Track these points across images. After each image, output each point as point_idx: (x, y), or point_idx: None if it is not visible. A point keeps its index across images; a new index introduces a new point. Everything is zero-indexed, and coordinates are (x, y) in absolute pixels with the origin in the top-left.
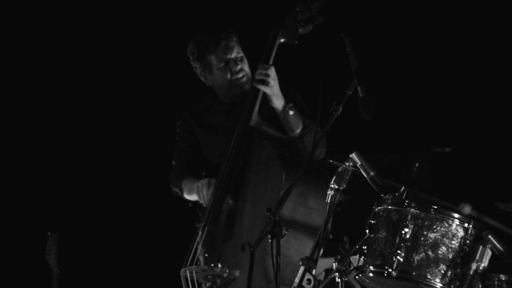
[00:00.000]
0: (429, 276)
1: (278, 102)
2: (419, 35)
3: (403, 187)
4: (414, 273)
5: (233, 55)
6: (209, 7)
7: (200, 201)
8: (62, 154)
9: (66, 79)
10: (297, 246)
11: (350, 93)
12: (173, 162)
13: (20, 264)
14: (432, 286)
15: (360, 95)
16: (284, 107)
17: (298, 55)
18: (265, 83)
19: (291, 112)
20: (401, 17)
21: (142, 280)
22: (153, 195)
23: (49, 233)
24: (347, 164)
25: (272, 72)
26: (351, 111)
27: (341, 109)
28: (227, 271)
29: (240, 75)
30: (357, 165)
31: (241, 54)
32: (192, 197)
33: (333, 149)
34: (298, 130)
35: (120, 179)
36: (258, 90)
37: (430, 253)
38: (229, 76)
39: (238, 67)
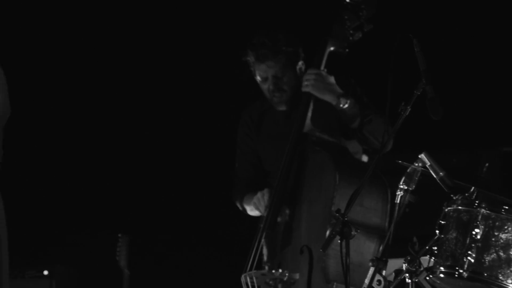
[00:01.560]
0: (500, 277)
1: (328, 97)
2: (488, 32)
3: (473, 188)
4: (485, 274)
5: (272, 74)
6: (267, 11)
7: (258, 212)
8: (134, 156)
9: (140, 79)
10: (356, 246)
11: (419, 93)
12: (235, 177)
13: (91, 266)
14: (504, 287)
15: (429, 95)
16: (338, 99)
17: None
18: (305, 85)
19: (345, 106)
20: (466, 16)
21: (207, 283)
22: (218, 199)
23: (119, 235)
24: (416, 164)
25: (313, 72)
26: (419, 111)
27: (409, 109)
28: (287, 274)
29: (276, 95)
30: (426, 166)
31: (284, 73)
32: (254, 213)
33: (402, 150)
34: (357, 122)
35: (187, 181)
36: (309, 97)
37: (501, 253)
38: (266, 92)
39: (274, 87)
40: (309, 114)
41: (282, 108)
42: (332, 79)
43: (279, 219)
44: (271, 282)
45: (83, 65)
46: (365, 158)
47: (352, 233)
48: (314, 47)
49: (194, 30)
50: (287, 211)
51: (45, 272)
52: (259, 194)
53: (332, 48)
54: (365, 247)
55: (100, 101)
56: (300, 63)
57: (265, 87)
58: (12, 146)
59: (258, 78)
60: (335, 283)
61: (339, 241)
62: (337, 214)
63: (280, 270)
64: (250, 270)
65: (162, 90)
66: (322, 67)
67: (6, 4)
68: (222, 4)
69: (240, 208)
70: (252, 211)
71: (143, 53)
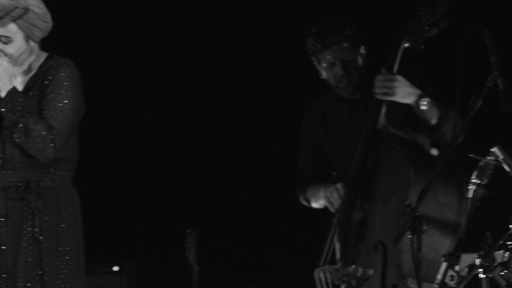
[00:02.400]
0: None
1: (409, 100)
2: None
3: None
4: None
5: (340, 58)
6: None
7: (330, 208)
8: (202, 152)
9: (204, 77)
10: (430, 242)
11: (490, 85)
12: (298, 173)
13: (161, 261)
14: None
15: (501, 87)
16: (417, 101)
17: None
18: (388, 93)
19: (424, 107)
20: None
21: (277, 278)
22: (287, 193)
23: (188, 231)
24: (489, 158)
25: (395, 80)
26: (491, 103)
27: (480, 102)
28: (360, 270)
29: (344, 80)
30: (499, 159)
31: (351, 57)
32: (319, 204)
33: (474, 143)
34: (435, 120)
35: (256, 176)
36: None
37: None
38: (333, 78)
39: (343, 72)
40: (383, 110)
41: (349, 94)
42: (405, 80)
43: (352, 215)
44: (344, 278)
45: (156, 64)
46: (434, 152)
47: (423, 228)
48: (388, 44)
49: (259, 25)
50: (361, 207)
51: (115, 268)
52: (332, 188)
53: (407, 45)
54: (440, 244)
55: (166, 98)
56: (362, 47)
57: (331, 74)
58: (84, 143)
59: (324, 65)
60: (410, 278)
61: (410, 236)
62: (407, 209)
63: (354, 266)
64: (324, 265)
65: (227, 86)
66: (396, 64)
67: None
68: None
69: (303, 201)
70: (316, 203)
71: (212, 51)
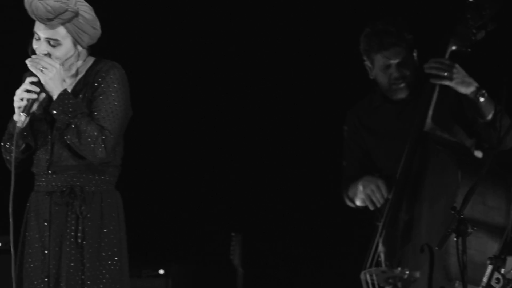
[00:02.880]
0: None
1: (467, 89)
2: None
3: None
4: None
5: (397, 60)
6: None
7: (370, 206)
8: (246, 155)
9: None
10: (478, 245)
11: None
12: (343, 174)
13: (206, 265)
14: None
15: None
16: (475, 93)
17: None
18: (443, 77)
19: (482, 99)
20: None
21: (322, 281)
22: (331, 195)
23: (232, 234)
24: None
25: (454, 66)
26: None
27: None
28: (407, 272)
29: (398, 82)
30: None
31: (407, 60)
32: (359, 200)
33: None
34: (490, 116)
35: (299, 179)
36: (431, 94)
37: None
38: (387, 80)
39: (398, 74)
40: (430, 113)
41: (401, 95)
42: (462, 70)
43: (399, 216)
44: (391, 280)
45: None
46: (478, 154)
47: (468, 230)
48: (435, 46)
49: (309, 26)
50: (407, 209)
51: (161, 271)
52: (372, 185)
53: (454, 48)
54: (487, 247)
55: (207, 100)
56: (415, 50)
57: (385, 75)
58: (129, 146)
59: (379, 66)
60: (457, 281)
61: (455, 239)
62: (452, 212)
63: (400, 268)
64: (370, 267)
65: (268, 88)
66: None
67: None
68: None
69: (348, 202)
70: (357, 199)
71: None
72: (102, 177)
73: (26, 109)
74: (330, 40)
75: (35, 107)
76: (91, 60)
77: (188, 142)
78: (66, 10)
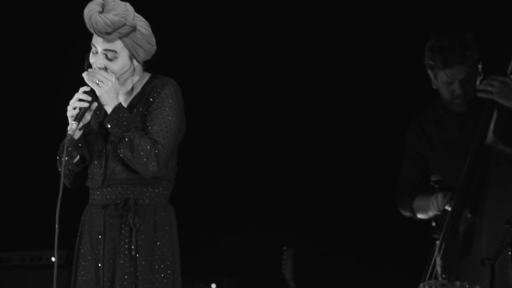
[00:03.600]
0: None
1: (508, 103)
2: None
3: None
4: None
5: (460, 78)
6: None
7: (431, 213)
8: (297, 169)
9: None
10: None
11: None
12: (400, 183)
13: (258, 279)
14: None
15: None
16: None
17: None
18: (488, 91)
19: None
20: None
21: None
22: (386, 207)
23: (284, 248)
24: None
25: (498, 79)
26: None
27: None
28: (466, 286)
29: (460, 97)
30: None
31: (470, 76)
32: (426, 215)
33: None
34: None
35: (353, 193)
36: (492, 108)
37: None
38: (449, 95)
39: (461, 91)
40: (492, 126)
41: (463, 110)
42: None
43: (459, 228)
44: None
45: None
46: None
47: None
48: (500, 52)
49: (374, 30)
50: (468, 218)
51: (213, 286)
52: (440, 194)
53: None
54: None
55: (269, 113)
56: (480, 63)
57: (447, 90)
58: (182, 161)
59: (443, 81)
60: None
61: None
62: (506, 225)
63: (459, 282)
64: (429, 279)
65: (330, 102)
66: (509, 71)
67: None
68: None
69: (405, 212)
70: (423, 214)
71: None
72: (156, 190)
73: (78, 118)
74: (386, 42)
75: (88, 116)
76: (147, 76)
77: (239, 157)
78: (125, 24)
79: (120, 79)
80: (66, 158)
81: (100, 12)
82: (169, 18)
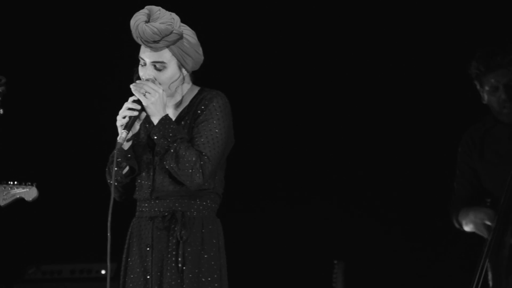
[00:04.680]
0: None
1: None
2: None
3: None
4: None
5: (504, 82)
6: None
7: (478, 232)
8: (347, 182)
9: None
10: None
11: None
12: (453, 195)
13: None
14: None
15: None
16: None
17: None
18: None
19: None
20: None
21: None
22: (437, 220)
23: (335, 261)
24: None
25: None
26: None
27: None
28: None
29: (507, 105)
30: None
31: None
32: (469, 228)
33: None
34: None
35: (403, 206)
36: None
37: None
38: (496, 103)
39: (506, 96)
40: None
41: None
42: None
43: (504, 240)
44: None
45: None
46: None
47: None
48: None
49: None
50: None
51: None
52: (482, 214)
53: None
54: None
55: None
56: None
57: (494, 98)
58: (230, 175)
59: (487, 88)
60: None
61: None
62: None
63: None
64: None
65: (382, 107)
66: None
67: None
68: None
69: (456, 224)
70: (466, 226)
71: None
72: (204, 203)
73: (128, 126)
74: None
75: (137, 126)
76: (196, 90)
77: (285, 168)
78: (172, 32)
79: (171, 88)
80: (116, 168)
81: (147, 22)
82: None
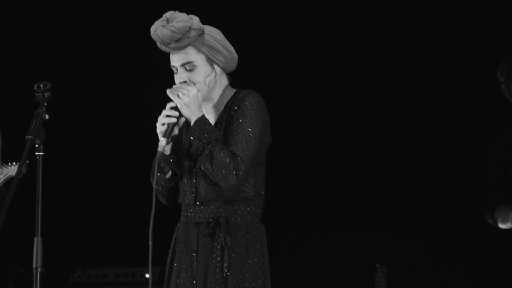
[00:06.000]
0: None
1: None
2: None
3: None
4: None
5: None
6: None
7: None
8: (390, 184)
9: None
10: None
11: None
12: (485, 191)
13: None
14: None
15: None
16: None
17: None
18: None
19: None
20: None
21: None
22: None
23: (377, 265)
24: None
25: None
26: None
27: None
28: None
29: None
30: None
31: None
32: (506, 226)
33: None
34: None
35: (443, 208)
36: None
37: None
38: None
39: None
40: None
41: None
42: None
43: None
44: None
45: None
46: None
47: None
48: None
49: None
50: None
51: None
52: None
53: None
54: None
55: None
56: None
57: None
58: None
59: None
60: None
61: None
62: None
63: None
64: None
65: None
66: None
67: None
68: None
69: (490, 221)
70: (503, 224)
71: None
72: (248, 209)
73: (167, 134)
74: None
75: (176, 131)
76: (232, 92)
77: (328, 170)
78: (191, 27)
79: (206, 84)
80: (158, 174)
81: (164, 25)
82: None
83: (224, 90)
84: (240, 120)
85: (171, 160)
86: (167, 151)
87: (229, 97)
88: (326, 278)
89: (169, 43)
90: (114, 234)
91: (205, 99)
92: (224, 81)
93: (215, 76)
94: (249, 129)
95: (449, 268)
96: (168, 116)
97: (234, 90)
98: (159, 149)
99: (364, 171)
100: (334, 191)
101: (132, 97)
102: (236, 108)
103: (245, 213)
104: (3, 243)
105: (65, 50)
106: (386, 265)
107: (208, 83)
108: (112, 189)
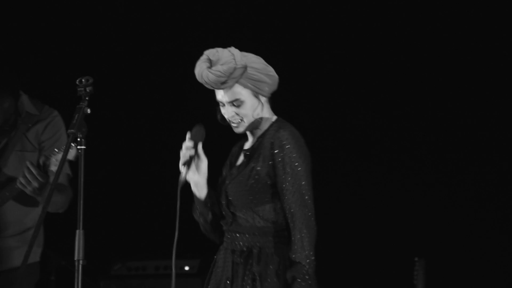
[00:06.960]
0: None
1: None
2: None
3: None
4: None
5: None
6: None
7: None
8: (424, 177)
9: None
10: None
11: None
12: None
13: None
14: None
15: None
16: None
17: None
18: None
19: None
20: None
21: None
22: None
23: (416, 259)
24: None
25: None
26: None
27: None
28: None
29: None
30: None
31: None
32: None
33: None
34: None
35: (476, 201)
36: None
37: None
38: None
39: None
40: None
41: None
42: None
43: None
44: None
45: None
46: None
47: None
48: None
49: None
50: None
51: None
52: None
53: None
54: None
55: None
56: None
57: None
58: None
59: None
60: None
61: None
62: None
63: None
64: None
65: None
66: None
67: None
68: None
69: None
70: None
71: None
72: (282, 239)
73: (187, 163)
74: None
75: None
76: (270, 120)
77: (369, 167)
78: (235, 68)
79: (254, 116)
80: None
81: (209, 67)
82: None
83: (268, 111)
84: (291, 176)
85: (208, 204)
86: (203, 194)
87: (267, 125)
88: (365, 272)
89: (215, 86)
90: (154, 227)
91: (254, 128)
92: (266, 104)
93: (262, 108)
94: (303, 182)
95: (486, 261)
96: (188, 147)
97: (273, 119)
98: (181, 179)
99: (404, 163)
100: (373, 184)
101: (177, 95)
102: (279, 159)
103: (279, 244)
104: (45, 235)
105: (112, 46)
106: (425, 259)
107: (255, 114)
108: (154, 183)
